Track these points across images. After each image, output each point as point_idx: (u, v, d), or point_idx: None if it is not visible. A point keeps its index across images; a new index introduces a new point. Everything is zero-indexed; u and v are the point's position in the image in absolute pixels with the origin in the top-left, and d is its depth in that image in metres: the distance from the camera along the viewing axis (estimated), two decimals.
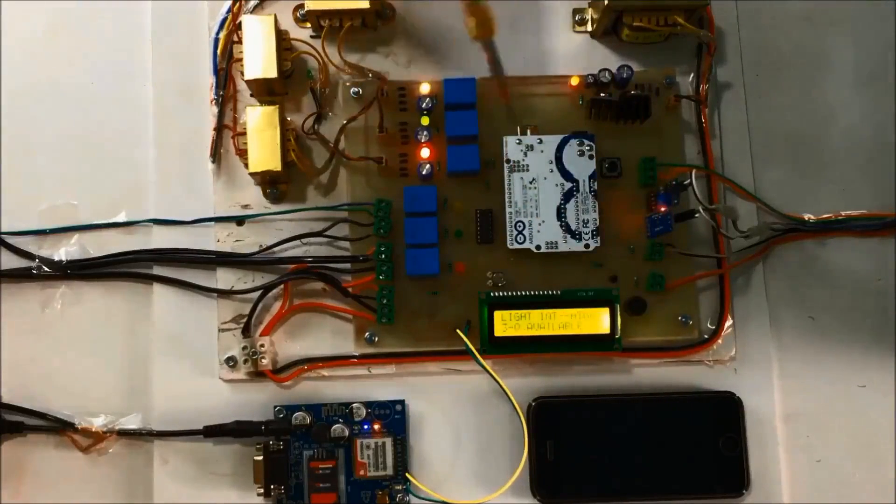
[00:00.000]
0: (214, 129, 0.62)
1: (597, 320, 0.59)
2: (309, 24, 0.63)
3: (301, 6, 0.63)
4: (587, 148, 0.61)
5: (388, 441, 0.59)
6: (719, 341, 0.61)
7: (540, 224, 0.60)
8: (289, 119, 0.62)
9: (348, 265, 0.61)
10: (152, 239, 0.62)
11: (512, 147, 0.61)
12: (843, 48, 0.65)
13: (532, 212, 0.60)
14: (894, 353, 0.62)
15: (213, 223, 0.62)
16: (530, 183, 0.60)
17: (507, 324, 0.59)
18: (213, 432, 0.59)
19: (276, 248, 0.61)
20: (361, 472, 0.59)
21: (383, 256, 0.60)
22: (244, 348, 0.59)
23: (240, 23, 0.60)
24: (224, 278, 0.61)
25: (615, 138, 0.62)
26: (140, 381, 0.61)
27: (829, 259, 0.63)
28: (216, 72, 0.62)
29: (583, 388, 0.61)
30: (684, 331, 0.61)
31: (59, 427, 0.60)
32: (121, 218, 0.62)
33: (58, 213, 0.62)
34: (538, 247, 0.60)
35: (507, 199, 0.60)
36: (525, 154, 0.61)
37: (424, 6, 0.64)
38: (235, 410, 0.60)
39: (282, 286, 0.61)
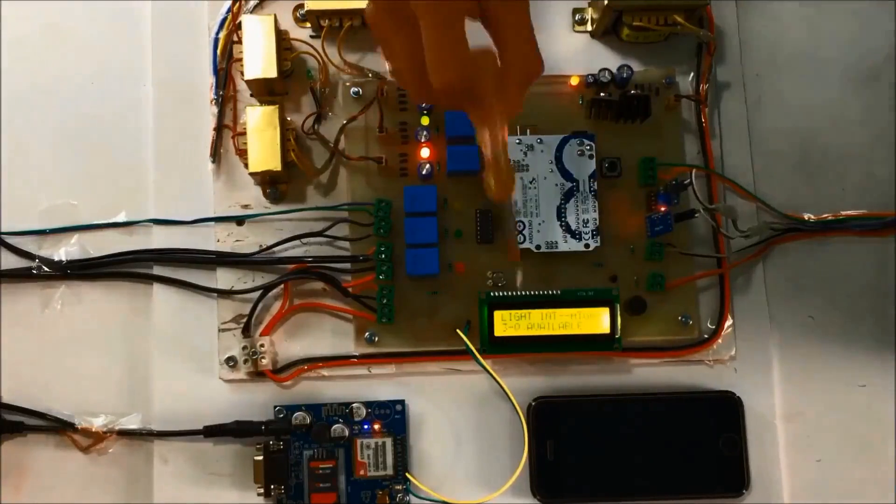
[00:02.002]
0: (214, 129, 0.62)
1: (597, 320, 0.59)
2: (309, 24, 0.63)
3: (301, 6, 0.63)
4: (587, 148, 0.61)
5: (388, 441, 0.59)
6: (719, 341, 0.61)
7: (540, 224, 0.60)
8: (289, 119, 0.62)
9: (348, 265, 0.61)
10: (152, 239, 0.62)
11: (512, 147, 0.60)
12: (843, 48, 0.65)
13: (532, 212, 0.60)
14: (894, 353, 0.62)
15: (213, 223, 0.62)
16: (530, 183, 0.60)
17: (507, 324, 0.59)
18: (213, 432, 0.59)
19: (276, 248, 0.61)
20: (361, 472, 0.59)
21: (383, 256, 0.60)
22: (244, 348, 0.59)
23: (240, 23, 0.60)
24: (224, 278, 0.61)
25: (615, 138, 0.62)
26: (140, 381, 0.61)
27: (829, 259, 0.63)
28: (216, 72, 0.62)
29: (583, 387, 0.61)
30: (684, 331, 0.61)
31: (59, 427, 0.60)
32: (121, 218, 0.62)
33: (58, 213, 0.62)
34: (538, 247, 0.60)
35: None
36: (525, 154, 0.61)
37: None
38: (235, 410, 0.60)
39: (282, 286, 0.60)
